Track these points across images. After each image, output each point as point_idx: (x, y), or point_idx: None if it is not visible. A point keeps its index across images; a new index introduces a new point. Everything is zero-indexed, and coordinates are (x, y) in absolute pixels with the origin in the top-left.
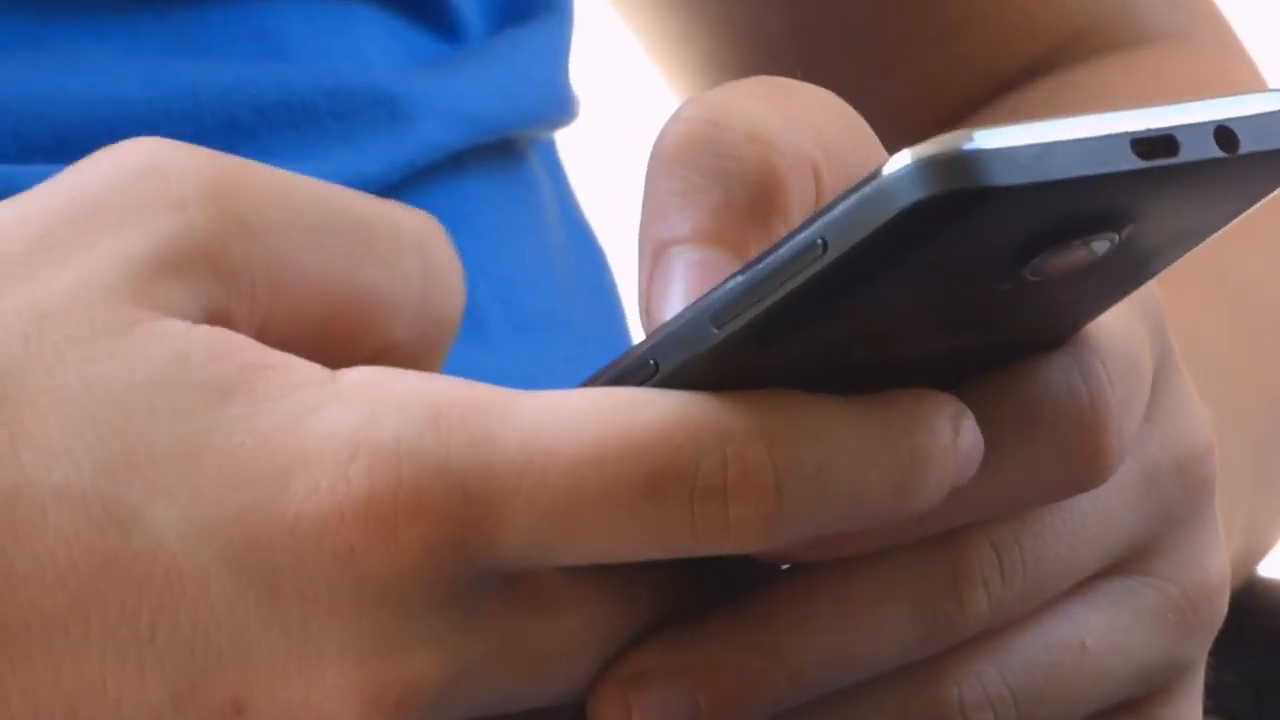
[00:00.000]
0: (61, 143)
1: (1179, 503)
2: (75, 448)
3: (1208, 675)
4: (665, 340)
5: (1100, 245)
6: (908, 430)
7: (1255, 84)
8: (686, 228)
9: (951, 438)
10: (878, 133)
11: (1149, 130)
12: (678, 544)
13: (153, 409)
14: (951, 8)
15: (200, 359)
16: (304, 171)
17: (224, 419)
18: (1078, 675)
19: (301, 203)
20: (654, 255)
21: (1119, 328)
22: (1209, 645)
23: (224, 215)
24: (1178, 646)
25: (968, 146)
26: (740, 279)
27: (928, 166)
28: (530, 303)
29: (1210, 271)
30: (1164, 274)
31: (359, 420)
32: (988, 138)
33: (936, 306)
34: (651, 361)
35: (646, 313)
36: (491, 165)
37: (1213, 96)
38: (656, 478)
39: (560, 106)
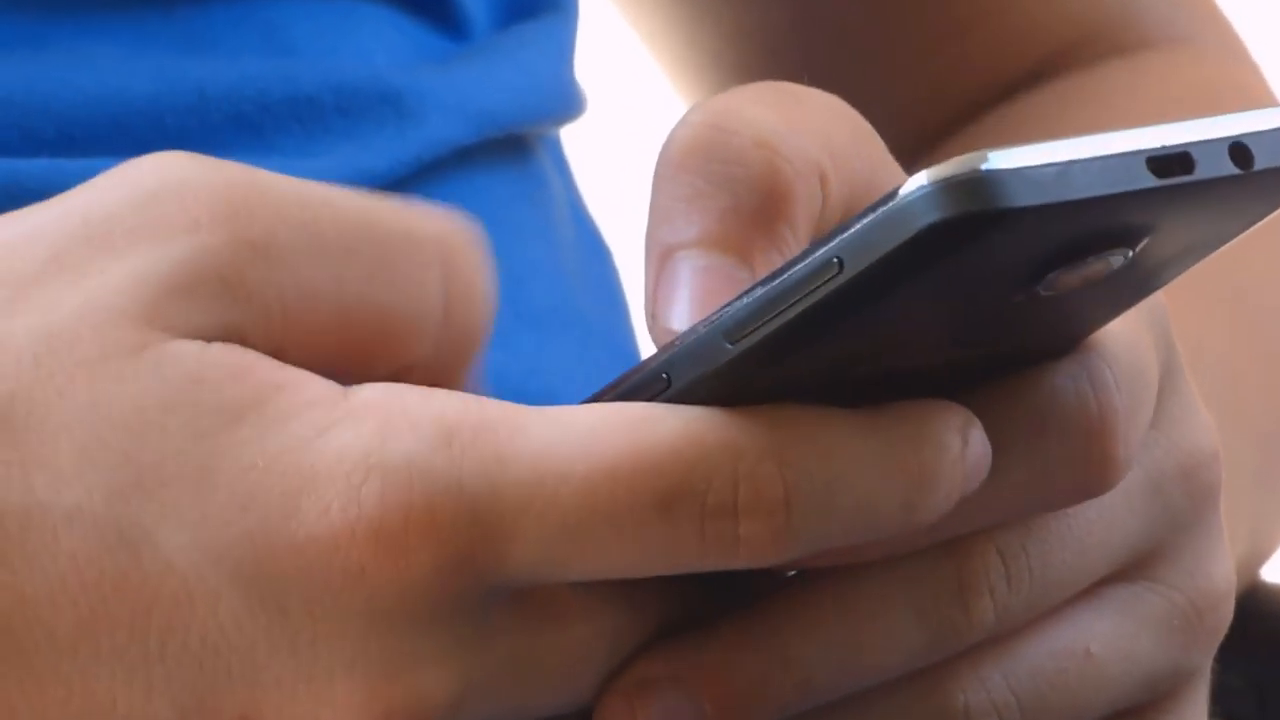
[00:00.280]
0: (67, 138)
1: (1184, 509)
2: (86, 470)
3: (1211, 678)
4: (678, 355)
5: (1114, 261)
6: (916, 445)
7: (1259, 87)
8: (692, 233)
9: (960, 450)
10: (882, 134)
11: (1164, 148)
12: (687, 560)
13: (164, 431)
14: (956, 10)
15: (212, 380)
16: (309, 168)
17: (235, 440)
18: (1083, 682)
19: (319, 222)
20: (660, 260)
21: (1126, 335)
22: (1214, 652)
23: (239, 238)
24: (1183, 653)
25: (985, 168)
26: (755, 295)
27: (945, 188)
28: (538, 298)
29: (1214, 277)
30: None
31: (370, 441)
32: (1004, 158)
33: (949, 321)
34: (664, 376)
35: (653, 317)
36: (499, 161)
37: (1221, 106)
38: (668, 496)
39: (567, 102)
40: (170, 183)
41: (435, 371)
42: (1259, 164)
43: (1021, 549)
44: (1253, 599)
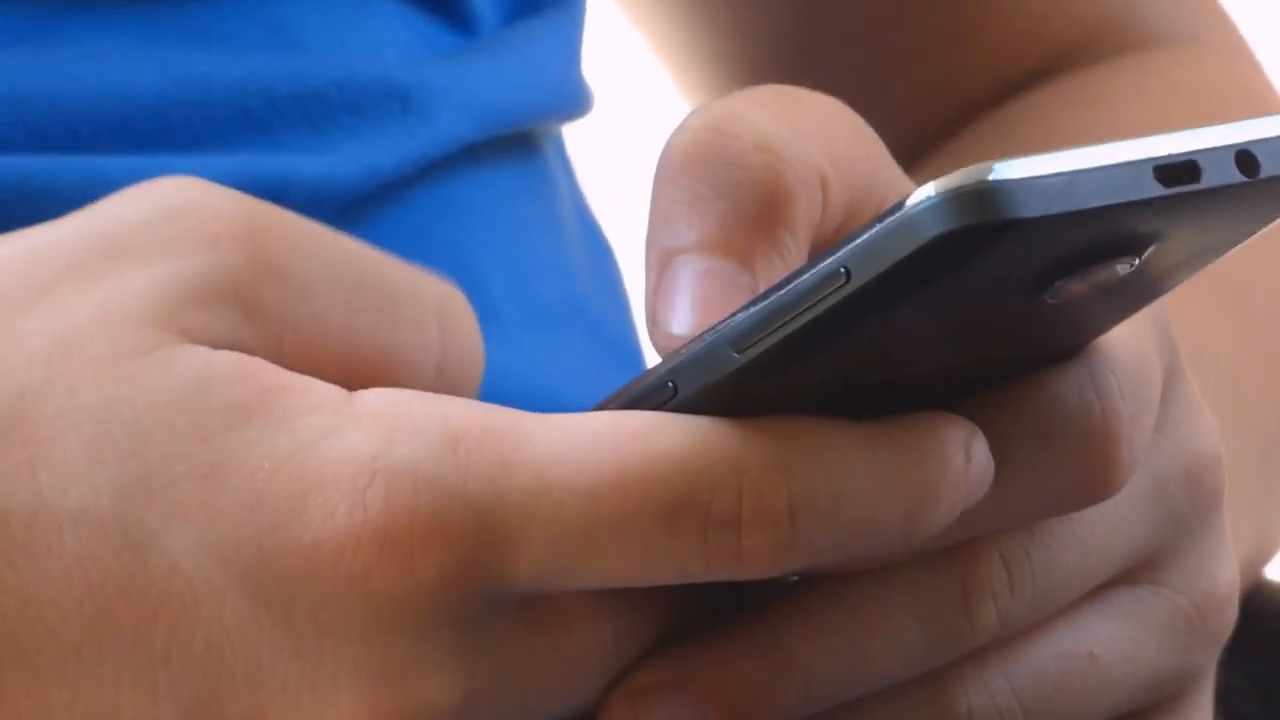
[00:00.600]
0: (73, 134)
1: (1188, 513)
2: (93, 470)
3: (1215, 679)
4: (684, 363)
5: (1120, 269)
6: (919, 458)
7: (1263, 87)
8: (693, 237)
9: (963, 464)
10: (884, 134)
11: (1171, 156)
12: (691, 570)
13: (172, 431)
14: (960, 10)
15: (220, 382)
16: (317, 165)
17: (242, 442)
18: (1086, 684)
19: (332, 257)
20: (660, 264)
21: (1130, 340)
22: (1218, 654)
23: (257, 260)
24: (1186, 656)
25: (992, 178)
26: (761, 304)
27: (952, 199)
28: (543, 295)
29: (1217, 280)
30: None
31: (376, 445)
32: (1010, 169)
33: (955, 329)
34: (670, 384)
35: (653, 322)
36: (506, 157)
37: (1224, 106)
38: (672, 506)
39: (574, 99)
40: (191, 202)
41: None
42: (1265, 171)
43: (1024, 554)
44: (1257, 599)
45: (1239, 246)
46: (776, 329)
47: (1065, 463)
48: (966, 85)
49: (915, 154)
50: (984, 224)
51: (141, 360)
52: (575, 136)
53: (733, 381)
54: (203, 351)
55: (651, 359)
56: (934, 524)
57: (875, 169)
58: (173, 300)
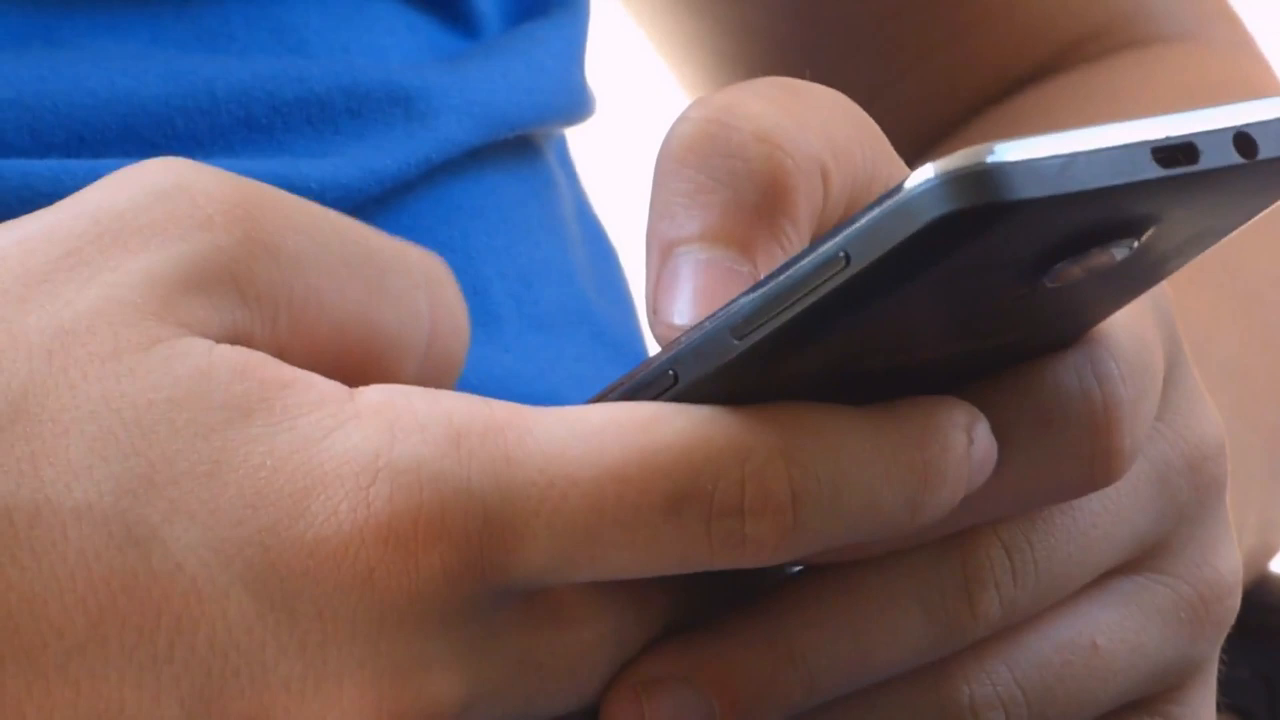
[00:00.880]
0: (77, 138)
1: (1190, 501)
2: (96, 466)
3: (1220, 670)
4: (685, 351)
5: (1119, 252)
6: (922, 444)
7: (1269, 82)
8: (694, 227)
9: (965, 448)
10: (889, 130)
11: (1169, 138)
12: (695, 560)
13: (174, 427)
14: (965, 6)
15: (222, 377)
16: (320, 168)
17: (244, 438)
18: (1089, 674)
19: (323, 233)
20: (661, 255)
21: (1131, 326)
22: (1221, 643)
23: (249, 238)
24: (1190, 644)
25: (990, 160)
26: (761, 291)
27: (951, 181)
28: (545, 299)
29: (1222, 269)
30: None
31: (379, 442)
32: (1009, 150)
33: (955, 314)
34: (671, 373)
35: (654, 312)
36: (508, 161)
37: (1230, 101)
38: (676, 497)
39: (576, 102)
40: (181, 183)
41: None
42: (1263, 153)
43: (1026, 542)
44: (1262, 591)
45: (1245, 238)
46: (776, 315)
47: (1066, 450)
48: (971, 81)
49: (920, 149)
50: (982, 205)
51: (143, 355)
52: (578, 137)
53: (733, 368)
54: (204, 345)
55: None
56: (937, 508)
57: (876, 160)
58: (169, 289)
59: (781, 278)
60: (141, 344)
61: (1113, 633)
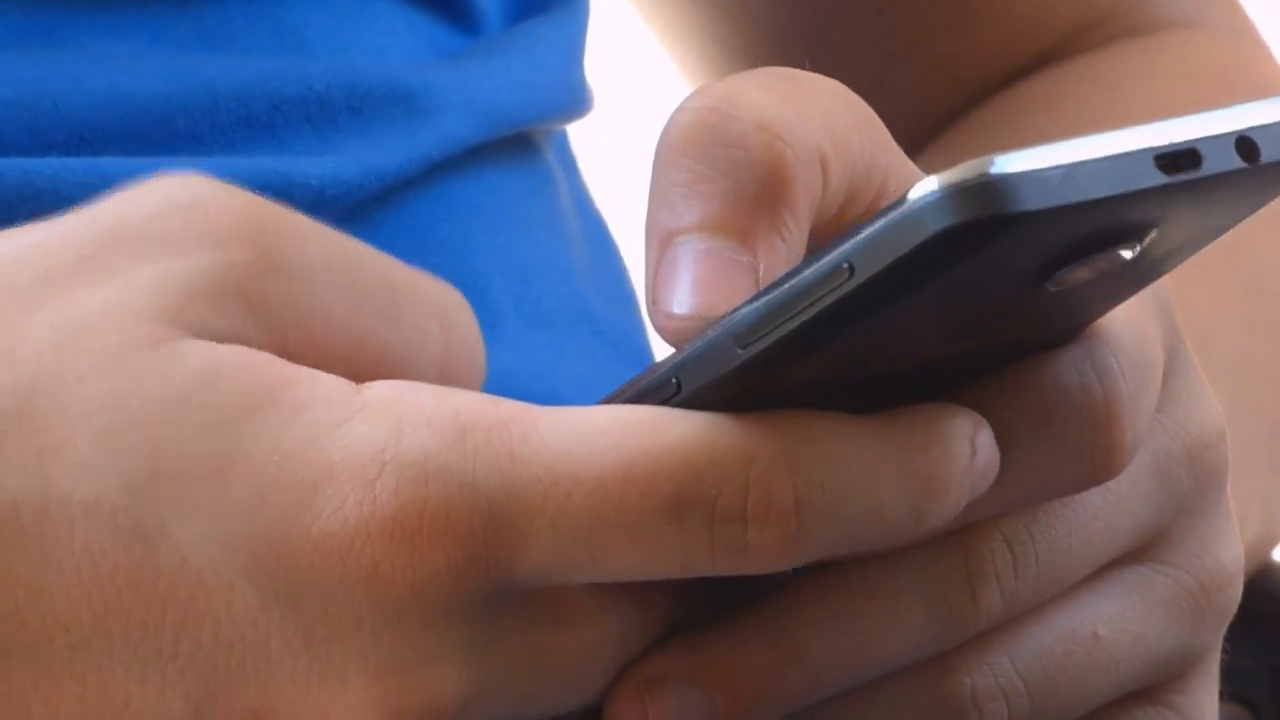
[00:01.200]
0: (77, 137)
1: (1191, 491)
2: (103, 461)
3: (1224, 660)
4: (689, 359)
5: (1122, 256)
6: (925, 452)
7: (1270, 68)
8: (693, 217)
9: (969, 456)
10: (890, 119)
11: (1171, 145)
12: (697, 564)
13: (181, 423)
14: None
15: (228, 374)
16: (321, 166)
17: (251, 433)
18: (1091, 664)
19: (337, 256)
20: (661, 245)
21: (1130, 320)
22: (1223, 632)
23: (263, 256)
24: (1191, 634)
25: (993, 172)
26: (764, 300)
27: (955, 194)
28: (545, 297)
29: (1225, 259)
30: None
31: (385, 436)
32: (1011, 162)
33: (957, 320)
34: (674, 380)
35: (653, 302)
36: (508, 159)
37: (1232, 88)
38: (679, 501)
39: (576, 99)
40: (198, 198)
41: None
42: (1265, 157)
43: (1028, 536)
44: (1264, 580)
45: (1249, 231)
46: (780, 324)
47: (1067, 445)
48: (973, 69)
49: (923, 138)
50: (986, 218)
51: (150, 352)
52: (579, 131)
53: (737, 377)
54: (210, 345)
55: (658, 356)
56: (940, 517)
57: (876, 150)
58: (180, 296)
59: (785, 287)
60: (148, 342)
61: (1114, 623)
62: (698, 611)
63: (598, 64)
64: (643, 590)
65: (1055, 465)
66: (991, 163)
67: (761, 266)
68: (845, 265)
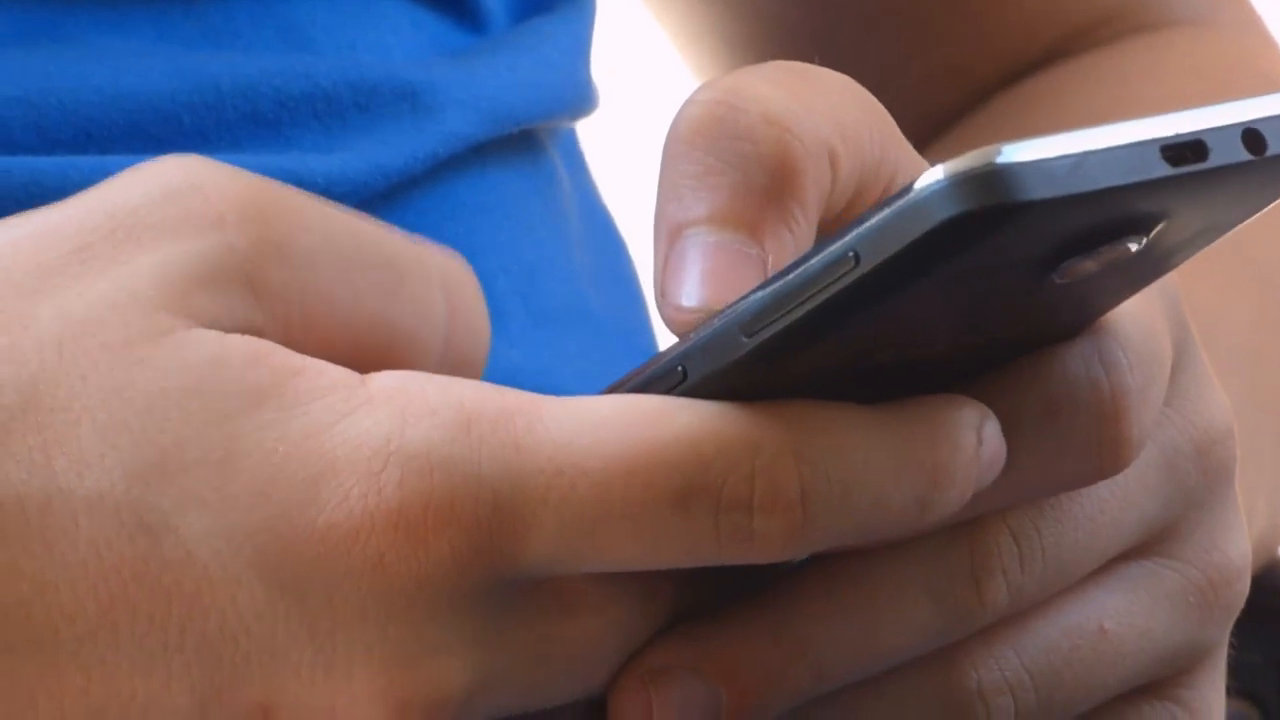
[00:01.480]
0: (84, 134)
1: (1199, 486)
2: (108, 455)
3: (1230, 655)
4: (694, 348)
5: (1128, 248)
6: (931, 443)
7: (1278, 65)
8: (702, 210)
9: (975, 447)
10: (899, 114)
11: (1178, 136)
12: (702, 554)
13: (185, 415)
14: None
15: (233, 366)
16: (327, 164)
17: (256, 424)
18: (1097, 658)
19: (338, 233)
20: (669, 237)
21: (1138, 314)
22: (1230, 627)
23: (263, 238)
24: (1198, 628)
25: (1000, 161)
26: (770, 289)
27: (961, 182)
28: (550, 294)
29: (1233, 253)
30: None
31: (390, 427)
32: (1018, 151)
33: (963, 311)
34: (680, 369)
35: (662, 295)
36: (512, 156)
37: (1239, 84)
38: (684, 490)
39: (581, 97)
40: (194, 181)
41: None
42: (1272, 149)
43: (1034, 529)
44: (1272, 575)
45: (1256, 224)
46: (785, 313)
47: (1074, 439)
48: (981, 65)
49: (930, 134)
50: (992, 207)
51: (153, 344)
52: (588, 129)
53: (742, 366)
54: (214, 335)
55: None
56: (946, 508)
57: (885, 144)
58: (182, 284)
59: (791, 276)
60: (152, 334)
61: (1121, 617)
62: (703, 601)
63: (605, 61)
64: (648, 580)
65: (1062, 458)
66: (998, 152)
67: (770, 259)
68: (851, 254)
